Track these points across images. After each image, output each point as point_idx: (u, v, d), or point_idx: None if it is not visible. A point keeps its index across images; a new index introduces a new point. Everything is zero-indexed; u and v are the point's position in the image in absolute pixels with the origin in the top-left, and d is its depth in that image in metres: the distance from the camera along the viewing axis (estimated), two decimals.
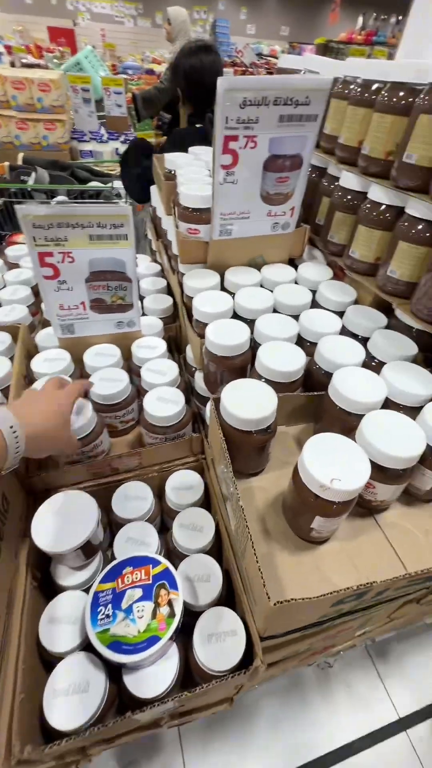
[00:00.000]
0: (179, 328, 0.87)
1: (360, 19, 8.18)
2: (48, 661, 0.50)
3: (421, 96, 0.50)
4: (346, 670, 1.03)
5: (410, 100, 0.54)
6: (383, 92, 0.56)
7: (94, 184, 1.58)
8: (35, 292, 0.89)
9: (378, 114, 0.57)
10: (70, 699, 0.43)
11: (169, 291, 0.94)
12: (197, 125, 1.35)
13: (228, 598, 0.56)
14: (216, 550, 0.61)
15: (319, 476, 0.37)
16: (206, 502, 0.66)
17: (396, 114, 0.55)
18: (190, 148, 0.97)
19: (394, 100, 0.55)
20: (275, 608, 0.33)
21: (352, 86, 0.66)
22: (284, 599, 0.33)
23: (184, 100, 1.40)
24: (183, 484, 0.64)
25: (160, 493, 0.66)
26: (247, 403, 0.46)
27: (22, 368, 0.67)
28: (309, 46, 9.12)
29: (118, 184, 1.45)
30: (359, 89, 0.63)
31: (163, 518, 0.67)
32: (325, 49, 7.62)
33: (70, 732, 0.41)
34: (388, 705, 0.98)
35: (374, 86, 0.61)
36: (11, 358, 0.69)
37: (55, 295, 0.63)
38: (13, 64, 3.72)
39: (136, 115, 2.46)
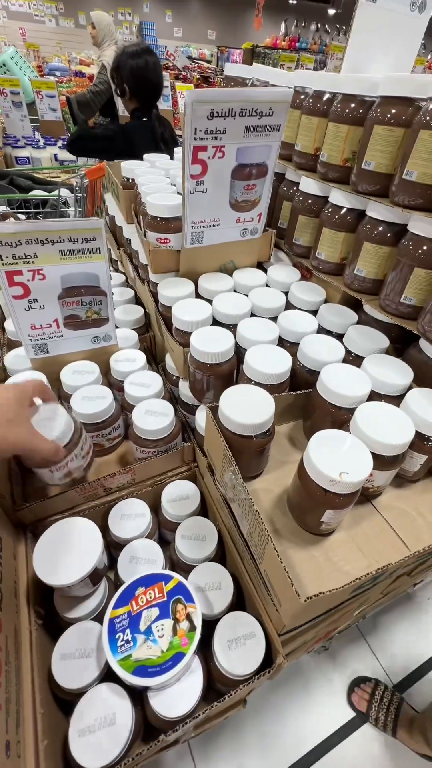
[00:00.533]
0: (152, 338, 0.86)
1: (282, 26, 8.53)
2: (63, 700, 0.48)
3: (374, 108, 0.54)
4: (339, 650, 1.08)
5: (361, 111, 0.58)
6: (336, 104, 0.60)
7: (38, 193, 1.51)
8: None
9: (333, 124, 0.60)
10: (98, 735, 0.41)
11: (137, 301, 0.93)
12: (143, 119, 1.54)
13: (237, 602, 0.57)
14: (219, 556, 0.61)
15: (328, 471, 0.38)
16: (203, 509, 0.66)
17: (350, 124, 0.58)
18: (145, 156, 0.96)
19: (347, 111, 0.58)
20: (305, 604, 0.34)
21: (303, 96, 0.69)
22: (310, 594, 0.34)
23: (130, 97, 1.53)
24: (179, 495, 0.64)
25: (155, 507, 0.65)
26: (245, 408, 0.47)
27: None
28: (237, 50, 9.35)
29: (64, 192, 1.41)
30: (311, 100, 0.66)
31: (160, 531, 0.67)
32: (253, 54, 7.85)
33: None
34: (383, 675, 1.04)
35: (325, 97, 0.65)
36: None
37: (26, 315, 0.60)
38: None
39: (72, 119, 2.39)
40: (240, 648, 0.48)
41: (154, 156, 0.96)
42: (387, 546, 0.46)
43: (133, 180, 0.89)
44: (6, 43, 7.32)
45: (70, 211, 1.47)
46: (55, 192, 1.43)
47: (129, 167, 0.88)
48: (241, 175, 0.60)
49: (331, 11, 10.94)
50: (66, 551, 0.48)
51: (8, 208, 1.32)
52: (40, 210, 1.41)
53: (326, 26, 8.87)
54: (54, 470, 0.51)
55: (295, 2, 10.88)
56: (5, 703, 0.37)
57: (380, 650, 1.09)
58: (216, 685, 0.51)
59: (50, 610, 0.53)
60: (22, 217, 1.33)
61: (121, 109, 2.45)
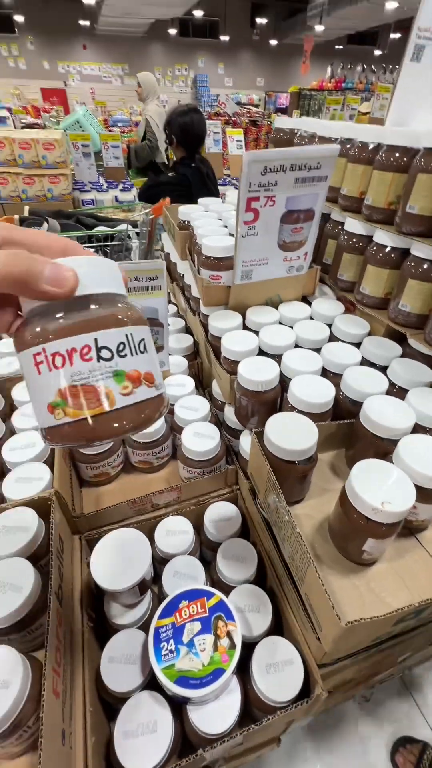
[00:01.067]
0: (200, 365, 0.92)
1: (329, 69, 8.93)
2: (105, 702, 0.51)
3: (418, 157, 0.57)
4: (383, 703, 1.00)
5: (405, 159, 0.62)
6: (381, 153, 0.64)
7: (102, 229, 1.68)
8: None
9: (378, 171, 0.65)
10: (141, 740, 0.44)
11: (187, 330, 1.00)
12: (191, 164, 1.96)
13: (275, 626, 0.57)
14: (258, 579, 0.62)
15: (370, 500, 0.40)
16: (244, 531, 0.68)
17: (394, 171, 0.62)
18: (200, 200, 1.06)
19: (392, 160, 0.63)
20: (346, 629, 0.35)
21: (349, 146, 0.75)
22: (352, 620, 0.35)
23: (177, 146, 1.91)
24: (221, 516, 0.67)
25: (197, 526, 0.68)
26: (290, 434, 0.50)
27: None
28: (284, 94, 9.89)
29: (123, 226, 1.61)
30: (357, 150, 0.71)
31: (201, 550, 0.69)
32: (299, 96, 8.26)
33: None
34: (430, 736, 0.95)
35: (370, 146, 0.70)
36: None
37: None
38: (13, 124, 3.99)
39: (127, 165, 2.68)
40: (278, 673, 0.49)
41: (207, 200, 1.06)
42: (431, 580, 0.45)
43: (188, 222, 0.98)
44: (78, 102, 8.33)
45: (132, 243, 1.63)
46: (119, 227, 1.61)
47: (185, 211, 0.98)
48: (290, 219, 0.65)
49: (377, 52, 11.31)
50: (119, 559, 0.52)
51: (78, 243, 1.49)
52: (108, 243, 1.59)
53: (372, 66, 9.18)
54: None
55: (341, 47, 11.39)
56: (62, 694, 0.41)
57: (427, 707, 1.00)
58: (252, 710, 0.51)
59: (99, 615, 0.57)
60: (91, 250, 1.49)
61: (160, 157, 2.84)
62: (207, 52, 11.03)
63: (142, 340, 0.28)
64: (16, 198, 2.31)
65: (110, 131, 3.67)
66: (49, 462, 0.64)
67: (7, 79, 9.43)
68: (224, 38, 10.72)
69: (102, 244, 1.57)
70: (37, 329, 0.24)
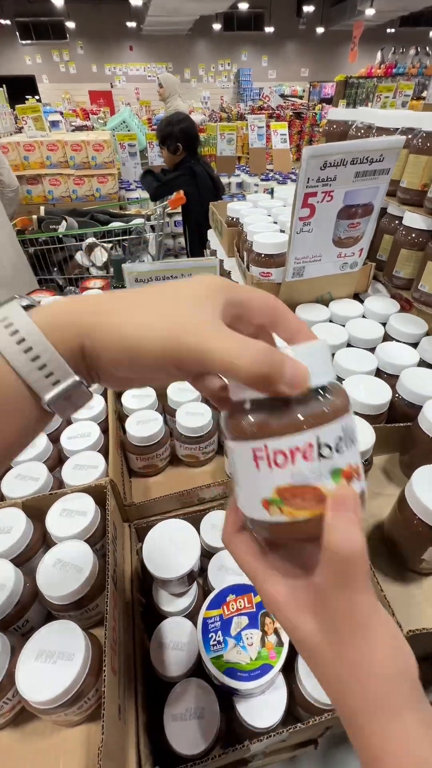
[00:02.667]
0: None
1: (379, 54, 8.52)
2: (153, 685, 0.53)
3: None
4: None
5: None
6: None
7: (117, 225, 1.73)
8: None
9: None
10: (189, 724, 0.45)
11: None
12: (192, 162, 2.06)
13: None
14: None
15: None
16: None
17: None
18: (248, 196, 1.05)
19: None
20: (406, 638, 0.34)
21: (410, 136, 0.71)
22: (414, 629, 0.34)
23: (182, 151, 2.04)
24: None
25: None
26: None
27: (113, 404, 0.74)
28: (329, 83, 9.56)
29: (139, 220, 1.69)
30: (420, 140, 0.68)
31: None
32: (345, 85, 7.94)
33: (194, 757, 0.43)
34: None
35: None
36: (103, 395, 0.76)
37: None
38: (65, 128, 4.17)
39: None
40: None
41: (256, 196, 1.06)
42: None
43: (236, 219, 0.98)
44: (123, 102, 8.56)
45: (148, 236, 1.69)
46: (135, 221, 1.67)
47: (234, 208, 0.98)
48: (347, 214, 0.64)
49: None
50: (170, 549, 0.54)
51: (95, 240, 1.54)
52: (125, 237, 1.66)
53: (426, 48, 8.63)
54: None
55: (393, 30, 10.82)
56: (120, 670, 0.43)
57: None
58: (297, 710, 0.51)
59: (147, 601, 0.59)
60: (108, 245, 1.55)
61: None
62: (251, 45, 10.90)
63: (353, 429, 0.25)
64: (67, 198, 2.42)
65: (153, 130, 3.75)
66: (103, 451, 0.67)
67: (58, 84, 9.87)
68: (269, 30, 10.53)
69: (120, 238, 1.63)
70: (258, 422, 0.23)
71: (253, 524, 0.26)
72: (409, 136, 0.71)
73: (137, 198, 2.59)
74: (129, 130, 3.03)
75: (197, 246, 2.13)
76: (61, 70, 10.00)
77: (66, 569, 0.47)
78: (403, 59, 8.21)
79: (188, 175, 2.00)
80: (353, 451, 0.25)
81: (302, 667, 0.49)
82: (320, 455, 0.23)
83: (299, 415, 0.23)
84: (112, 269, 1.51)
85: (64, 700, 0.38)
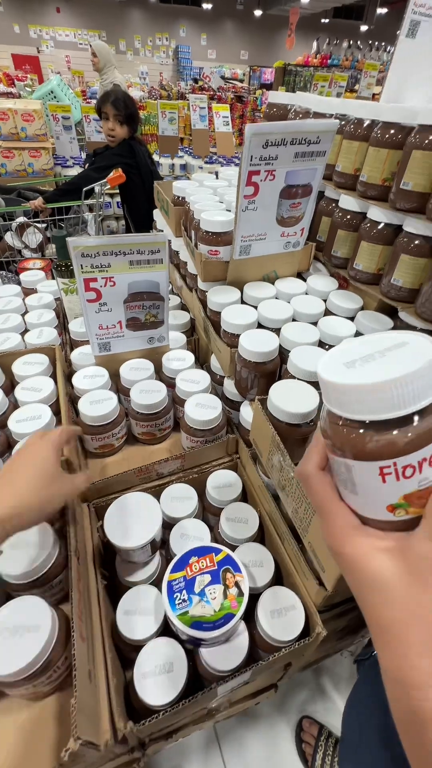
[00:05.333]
0: (197, 341, 0.94)
1: (314, 44, 8.71)
2: (122, 651, 0.54)
3: (413, 135, 0.60)
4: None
5: (400, 136, 0.64)
6: (377, 130, 0.66)
7: (55, 203, 1.65)
8: (57, 314, 0.94)
9: (374, 148, 0.67)
10: (159, 679, 0.48)
11: (182, 307, 1.01)
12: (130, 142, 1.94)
13: (276, 580, 0.62)
14: (260, 539, 0.66)
15: None
16: (243, 497, 0.72)
17: (390, 148, 0.64)
18: (193, 176, 1.05)
19: (387, 136, 0.64)
20: None
21: (344, 123, 0.76)
22: None
23: (126, 125, 1.90)
24: (223, 483, 0.70)
25: (199, 493, 0.72)
26: (292, 400, 0.53)
27: (63, 386, 0.72)
28: (269, 69, 9.61)
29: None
30: (353, 126, 0.72)
31: (204, 516, 0.73)
32: (284, 72, 8.05)
33: (165, 706, 0.46)
34: None
35: (365, 123, 0.71)
36: (52, 376, 0.73)
37: (96, 317, 0.69)
38: None
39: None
40: (282, 617, 0.54)
41: (201, 176, 1.06)
42: None
43: (182, 198, 0.98)
44: (53, 70, 7.89)
45: (87, 216, 1.62)
46: (79, 202, 1.59)
47: (180, 186, 0.97)
48: (289, 194, 0.67)
49: (364, 28, 11.07)
50: (131, 520, 0.55)
51: (26, 219, 1.46)
52: (62, 217, 1.58)
53: (358, 43, 8.99)
54: None
55: (327, 21, 11.08)
56: (88, 638, 0.44)
57: None
58: (257, 653, 0.56)
59: (110, 575, 0.60)
60: (42, 225, 1.47)
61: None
62: (189, 20, 10.54)
63: None
64: None
65: (88, 103, 3.51)
66: None
67: None
68: (207, 6, 10.25)
69: (56, 217, 1.56)
70: (385, 441, 0.23)
71: (375, 526, 0.26)
72: (343, 123, 0.76)
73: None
74: (58, 101, 2.82)
75: (141, 227, 2.06)
76: None
77: (26, 548, 0.47)
78: (337, 51, 8.48)
79: (127, 153, 1.92)
80: None
81: (261, 612, 0.54)
82: None
83: (425, 429, 0.23)
84: (48, 250, 1.42)
85: (33, 670, 0.39)
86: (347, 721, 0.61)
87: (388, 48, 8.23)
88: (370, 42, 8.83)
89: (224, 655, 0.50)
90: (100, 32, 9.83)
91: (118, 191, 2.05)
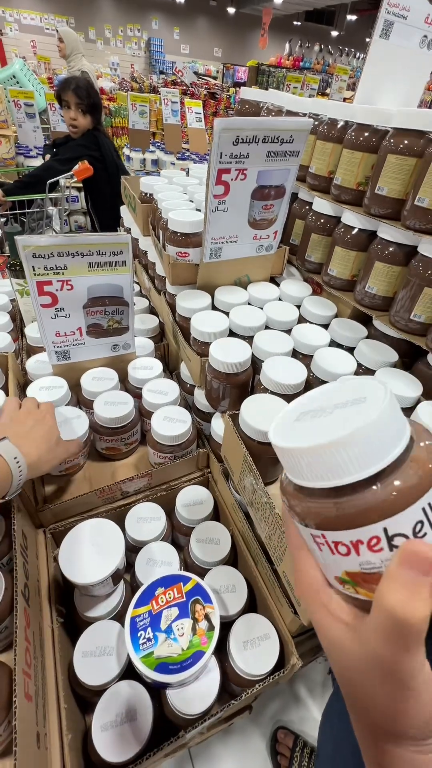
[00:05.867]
0: (166, 347, 0.89)
1: (287, 46, 8.79)
2: (81, 697, 0.49)
3: (387, 138, 0.57)
4: None
5: (375, 140, 0.62)
6: (351, 132, 0.64)
7: (16, 197, 1.54)
8: (13, 317, 0.86)
9: (348, 150, 0.64)
10: (120, 730, 0.43)
11: (151, 310, 0.95)
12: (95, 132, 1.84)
13: (250, 605, 0.58)
14: (232, 560, 0.63)
15: None
16: (215, 514, 0.68)
17: (364, 151, 0.62)
18: (162, 172, 1.00)
19: (362, 139, 0.62)
20: None
21: (317, 123, 0.73)
22: None
23: (90, 114, 1.79)
24: (193, 500, 0.66)
25: (168, 511, 0.67)
26: (265, 416, 0.49)
27: (15, 396, 0.65)
28: (242, 68, 9.61)
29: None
30: (326, 127, 0.70)
31: (173, 535, 0.68)
32: (257, 71, 8.07)
33: (127, 763, 0.41)
34: None
35: (339, 124, 0.69)
36: (3, 388, 0.67)
37: (52, 323, 0.62)
38: None
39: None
40: (255, 648, 0.50)
41: (170, 172, 1.00)
42: None
43: (150, 195, 0.92)
44: (17, 54, 7.50)
45: (51, 210, 1.53)
46: (42, 195, 1.50)
47: (148, 183, 0.92)
48: (261, 195, 0.63)
49: (334, 33, 11.29)
50: (90, 551, 0.50)
51: None
52: (24, 211, 1.48)
53: (329, 47, 9.16)
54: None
55: (299, 23, 11.21)
56: (35, 696, 0.39)
57: None
58: (230, 687, 0.52)
59: (69, 609, 0.54)
60: (1, 220, 1.37)
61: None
62: (161, 13, 10.34)
63: None
64: None
65: (54, 90, 3.35)
66: None
67: None
68: (180, 0, 10.10)
69: (17, 212, 1.46)
70: (311, 509, 0.21)
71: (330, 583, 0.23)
72: (316, 123, 0.74)
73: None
74: (21, 87, 2.66)
75: (107, 225, 1.96)
76: None
77: None
78: (309, 53, 8.60)
79: (93, 144, 1.81)
80: None
81: (234, 644, 0.50)
82: (392, 546, 0.19)
83: (356, 508, 0.19)
84: (6, 247, 1.32)
85: None
86: (322, 734, 0.59)
87: (358, 54, 8.44)
88: (341, 47, 9.02)
89: (193, 697, 0.46)
90: (68, 18, 9.47)
91: (81, 185, 1.95)
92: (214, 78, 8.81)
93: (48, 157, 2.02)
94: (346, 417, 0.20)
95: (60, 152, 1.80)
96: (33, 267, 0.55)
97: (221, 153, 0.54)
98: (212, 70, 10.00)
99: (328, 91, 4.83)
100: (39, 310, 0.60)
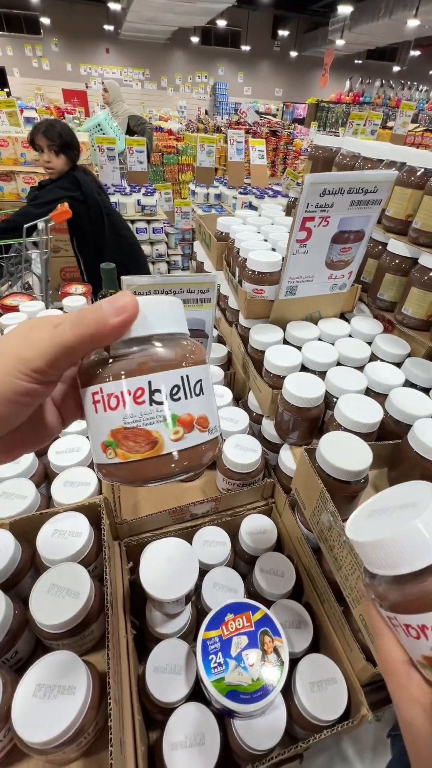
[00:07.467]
0: (233, 375, 0.93)
1: (347, 83, 9.02)
2: (147, 711, 0.51)
3: None
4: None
5: None
6: None
7: None
8: None
9: (429, 197, 0.66)
10: (189, 752, 0.44)
11: (218, 339, 1.01)
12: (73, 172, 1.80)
13: (313, 644, 0.57)
14: (295, 594, 0.62)
15: None
16: (278, 545, 0.68)
17: None
18: (237, 212, 1.07)
19: None
20: None
21: (395, 169, 0.76)
22: None
23: (63, 155, 1.75)
24: (257, 529, 0.67)
25: (231, 537, 0.69)
26: (343, 454, 0.50)
27: None
28: (301, 105, 9.99)
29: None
30: (406, 173, 0.72)
31: (235, 562, 0.69)
32: (317, 108, 8.33)
33: None
34: None
35: (419, 171, 0.71)
36: None
37: None
38: None
39: None
40: (322, 691, 0.49)
41: (244, 212, 1.08)
42: None
43: (226, 233, 0.99)
44: (99, 104, 8.44)
45: (31, 254, 1.57)
46: (18, 240, 1.53)
47: (224, 222, 0.99)
48: (341, 239, 0.66)
49: (396, 68, 11.41)
50: (167, 568, 0.53)
51: None
52: (2, 255, 1.52)
53: (390, 82, 9.26)
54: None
55: (360, 62, 11.50)
56: (119, 700, 0.41)
57: None
58: (293, 728, 0.51)
59: (139, 623, 0.57)
60: None
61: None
62: (227, 60, 11.16)
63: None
64: None
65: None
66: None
67: (30, 79, 9.58)
68: (245, 48, 10.85)
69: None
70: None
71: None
72: (395, 169, 0.76)
73: (115, 203, 2.55)
74: (104, 134, 2.99)
75: (93, 266, 1.79)
76: (33, 65, 9.72)
77: (61, 595, 0.45)
78: (369, 89, 8.75)
79: (72, 185, 1.74)
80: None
81: (300, 684, 0.50)
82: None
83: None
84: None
85: (65, 738, 0.36)
86: None
87: (421, 87, 8.43)
88: (402, 81, 9.07)
89: (260, 731, 0.46)
90: (144, 70, 10.52)
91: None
92: (274, 116, 9.23)
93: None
94: (399, 518, 0.24)
95: (39, 195, 1.74)
96: None
97: (308, 203, 0.59)
98: (272, 108, 10.49)
99: (389, 124, 4.87)
100: None
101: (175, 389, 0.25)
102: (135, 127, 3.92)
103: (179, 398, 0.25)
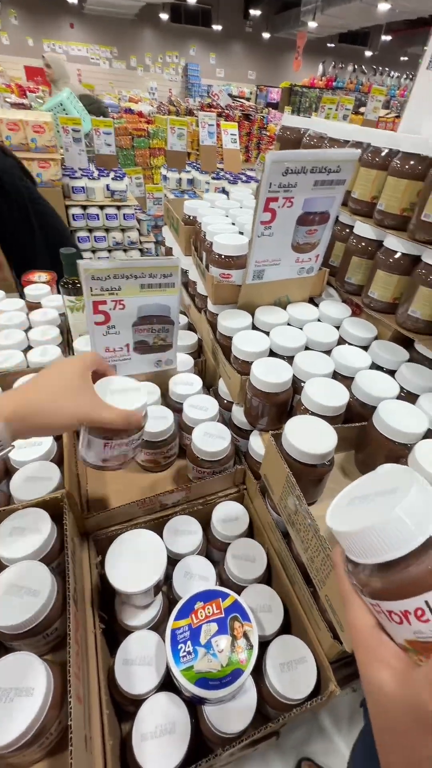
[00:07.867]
0: (204, 363, 0.92)
1: (320, 67, 8.95)
2: (117, 703, 0.50)
3: None
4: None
5: (421, 168, 0.63)
6: (396, 160, 0.65)
7: None
8: (62, 330, 0.91)
9: (393, 178, 0.65)
10: (160, 741, 0.44)
11: (189, 326, 0.99)
12: None
13: (284, 626, 0.58)
14: (266, 578, 0.63)
15: None
16: (250, 531, 0.68)
17: (410, 179, 0.63)
18: (205, 195, 1.04)
19: (407, 167, 0.63)
20: None
21: (360, 150, 0.75)
22: None
23: None
24: (229, 516, 0.67)
25: (203, 525, 0.68)
26: (309, 437, 0.50)
27: None
28: (275, 89, 9.85)
29: None
30: (370, 154, 0.72)
31: (208, 550, 0.69)
32: (290, 92, 8.24)
33: None
34: None
35: (383, 152, 0.70)
36: None
37: (103, 339, 0.66)
38: None
39: None
40: (292, 671, 0.50)
41: (213, 195, 1.05)
42: None
43: (194, 217, 0.97)
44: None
45: None
46: None
47: (191, 206, 0.96)
48: (305, 221, 0.65)
49: (368, 53, 11.40)
50: (134, 560, 0.52)
51: None
52: None
53: (362, 67, 9.25)
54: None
55: (333, 45, 11.41)
56: (84, 697, 0.40)
57: None
58: (265, 709, 0.52)
59: (108, 616, 0.56)
60: None
61: None
62: (199, 40, 10.82)
63: None
64: None
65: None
66: (56, 461, 0.62)
67: None
68: (217, 27, 10.54)
69: None
70: (362, 580, 0.25)
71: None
72: (359, 149, 0.75)
73: (82, 187, 2.45)
74: (67, 113, 2.85)
75: (20, 258, 1.39)
76: None
77: (21, 594, 0.43)
78: (342, 74, 8.71)
79: None
80: None
81: (270, 666, 0.50)
82: None
83: (404, 579, 0.23)
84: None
85: (24, 741, 0.35)
86: None
87: (392, 73, 8.46)
88: (374, 67, 9.08)
89: (231, 716, 0.46)
90: (112, 48, 10.07)
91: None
92: (248, 99, 9.07)
93: None
94: (380, 506, 0.25)
95: None
96: (91, 288, 0.59)
97: (270, 183, 0.57)
98: (246, 91, 10.30)
99: (362, 110, 4.87)
100: (92, 327, 0.64)
101: None
102: (88, 107, 3.65)
103: None
